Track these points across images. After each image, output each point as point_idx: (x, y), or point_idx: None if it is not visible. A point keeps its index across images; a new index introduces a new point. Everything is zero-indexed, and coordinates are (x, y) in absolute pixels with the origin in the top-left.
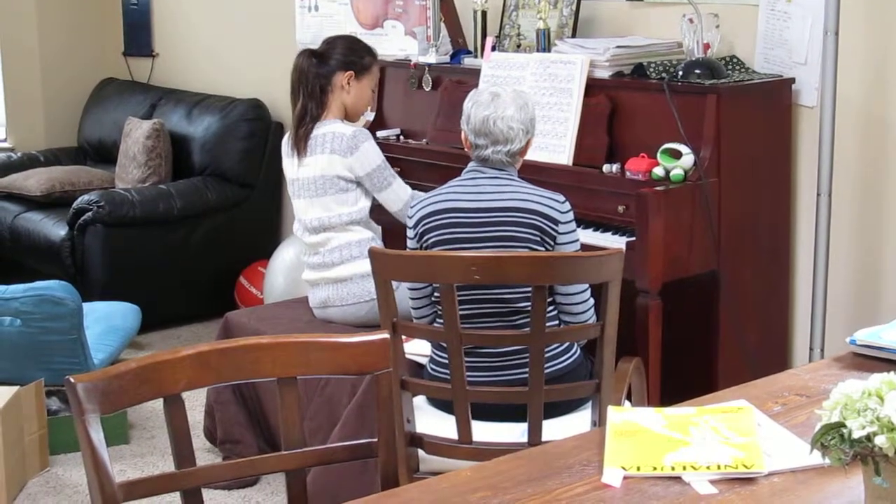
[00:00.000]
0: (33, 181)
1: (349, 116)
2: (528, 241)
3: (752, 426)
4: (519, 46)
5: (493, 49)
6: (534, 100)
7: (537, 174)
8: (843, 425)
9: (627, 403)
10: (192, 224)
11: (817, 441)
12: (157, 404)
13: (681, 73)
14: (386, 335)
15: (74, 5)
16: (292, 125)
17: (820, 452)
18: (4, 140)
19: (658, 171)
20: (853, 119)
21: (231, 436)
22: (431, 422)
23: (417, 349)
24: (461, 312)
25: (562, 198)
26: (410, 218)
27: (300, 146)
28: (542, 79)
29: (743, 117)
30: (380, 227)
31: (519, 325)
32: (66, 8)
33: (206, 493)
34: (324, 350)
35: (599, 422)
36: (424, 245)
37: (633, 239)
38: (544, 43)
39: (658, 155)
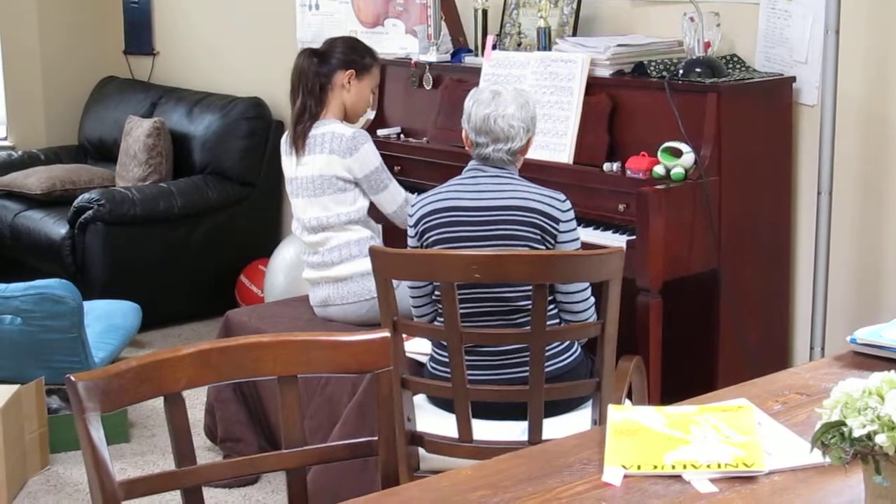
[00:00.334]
0: (34, 179)
1: (348, 117)
2: (529, 239)
3: (752, 425)
4: (520, 45)
5: (494, 47)
6: (534, 98)
7: (538, 173)
8: (844, 424)
9: (628, 402)
10: (193, 222)
11: (818, 440)
12: (158, 403)
13: (681, 71)
14: (386, 334)
15: (75, 4)
16: (291, 123)
17: (820, 451)
18: (5, 138)
19: (658, 170)
20: (854, 118)
21: (231, 434)
22: (432, 420)
23: (418, 348)
24: (462, 311)
25: (562, 196)
26: (411, 216)
27: (298, 144)
28: (543, 77)
29: (744, 116)
30: (379, 226)
31: (519, 324)
32: (66, 6)
33: (207, 492)
34: (324, 349)
35: (600, 420)
36: (425, 243)
37: (634, 238)
38: (545, 41)
39: (659, 153)
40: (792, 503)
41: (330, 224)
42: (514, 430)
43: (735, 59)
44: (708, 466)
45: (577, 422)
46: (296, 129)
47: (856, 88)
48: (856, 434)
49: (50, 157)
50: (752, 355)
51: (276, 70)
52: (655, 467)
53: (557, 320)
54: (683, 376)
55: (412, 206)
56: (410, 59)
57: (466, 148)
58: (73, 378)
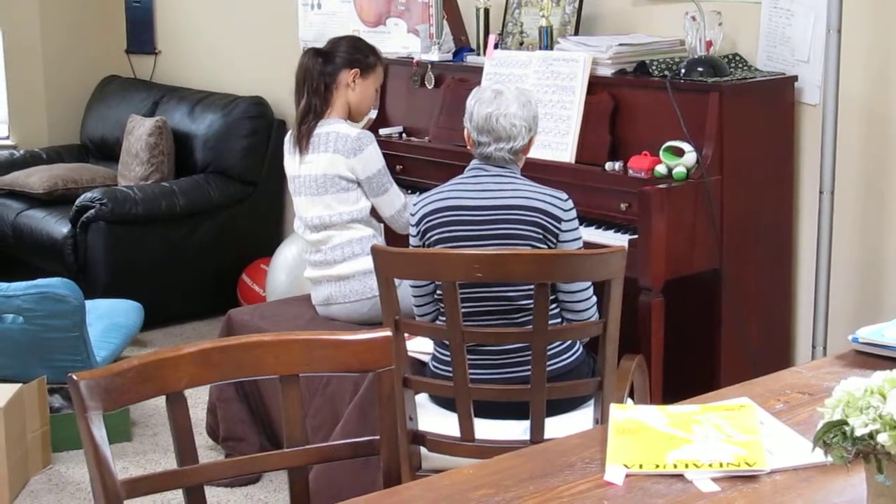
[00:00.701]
0: (36, 178)
1: (352, 116)
2: (531, 238)
3: (754, 424)
4: (521, 44)
5: (496, 47)
6: (536, 97)
7: (540, 172)
8: (846, 423)
9: (630, 401)
10: (195, 222)
11: (819, 439)
12: (160, 402)
13: (683, 70)
14: (388, 333)
15: (77, 3)
16: (295, 122)
17: (822, 450)
18: (7, 137)
19: (660, 169)
20: (856, 117)
21: (233, 433)
22: (434, 419)
23: (420, 347)
24: (464, 310)
25: (564, 195)
26: (413, 216)
27: (302, 143)
28: (545, 76)
29: (745, 115)
30: (381, 225)
31: (521, 323)
32: (68, 5)
33: (209, 491)
34: (326, 348)
35: (602, 419)
36: (427, 243)
37: (636, 237)
38: (547, 40)
39: (660, 153)
40: (794, 502)
41: (332, 222)
42: (516, 430)
43: (737, 58)
44: (710, 465)
45: (578, 421)
46: (300, 128)
47: (858, 88)
48: (858, 433)
49: (52, 156)
50: (753, 354)
51: (278, 69)
52: (657, 466)
53: (559, 319)
54: (685, 375)
55: (414, 205)
56: (412, 58)
57: (468, 147)
58: (75, 377)
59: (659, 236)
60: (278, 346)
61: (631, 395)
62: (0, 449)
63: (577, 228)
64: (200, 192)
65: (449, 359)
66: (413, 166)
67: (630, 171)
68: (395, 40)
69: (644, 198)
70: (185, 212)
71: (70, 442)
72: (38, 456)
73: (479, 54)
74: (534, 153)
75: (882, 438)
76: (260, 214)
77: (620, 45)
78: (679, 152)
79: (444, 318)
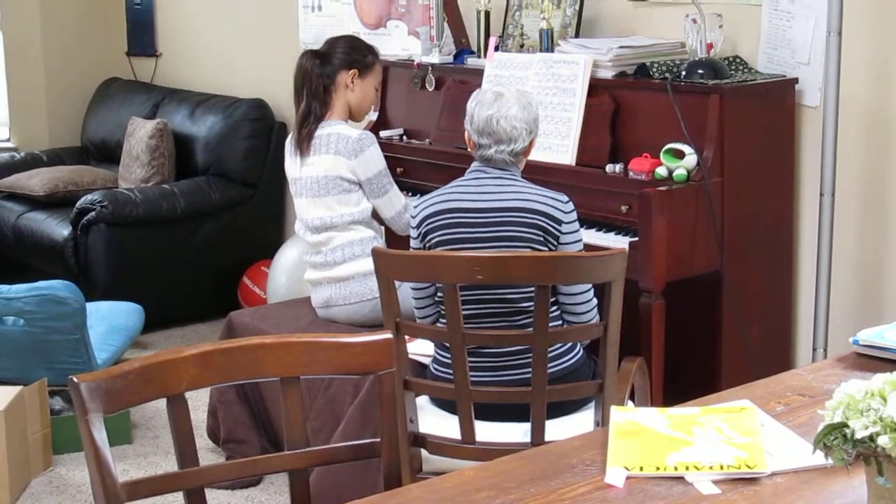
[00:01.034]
0: (36, 181)
1: (353, 116)
2: (532, 241)
3: (755, 426)
4: (522, 46)
5: (497, 49)
6: (537, 100)
7: (540, 174)
8: (846, 425)
9: (630, 403)
10: (196, 224)
11: (820, 441)
12: (161, 404)
13: (684, 73)
14: (389, 335)
15: (78, 5)
16: (295, 125)
17: (823, 452)
18: (8, 140)
19: (661, 171)
20: (856, 119)
21: (234, 435)
22: (434, 422)
23: (420, 349)
24: (464, 312)
25: (565, 198)
26: (414, 217)
27: (303, 146)
28: (546, 79)
29: (746, 117)
30: (382, 227)
31: (522, 325)
32: (69, 8)
33: (210, 493)
34: (327, 350)
35: (602, 422)
36: (428, 245)
37: (637, 239)
38: (547, 43)
39: (661, 155)
40: None
41: (333, 224)
42: (517, 432)
43: (737, 60)
44: (710, 468)
45: (579, 423)
46: (300, 131)
47: (858, 90)
48: (858, 435)
49: (53, 158)
50: (754, 357)
51: (278, 71)
52: (658, 468)
53: (560, 322)
54: (686, 378)
55: (415, 207)
56: (413, 60)
57: (469, 149)
58: (75, 379)
59: (659, 238)
60: (279, 348)
61: (631, 398)
62: (1, 451)
63: (577, 230)
64: (201, 194)
65: (449, 361)
66: (414, 168)
67: (630, 174)
68: (395, 42)
69: (645, 200)
70: (186, 214)
71: (71, 444)
72: (39, 458)
73: (479, 56)
74: (534, 155)
75: (882, 441)
76: (260, 216)
77: (621, 47)
78: (680, 154)
79: (444, 321)
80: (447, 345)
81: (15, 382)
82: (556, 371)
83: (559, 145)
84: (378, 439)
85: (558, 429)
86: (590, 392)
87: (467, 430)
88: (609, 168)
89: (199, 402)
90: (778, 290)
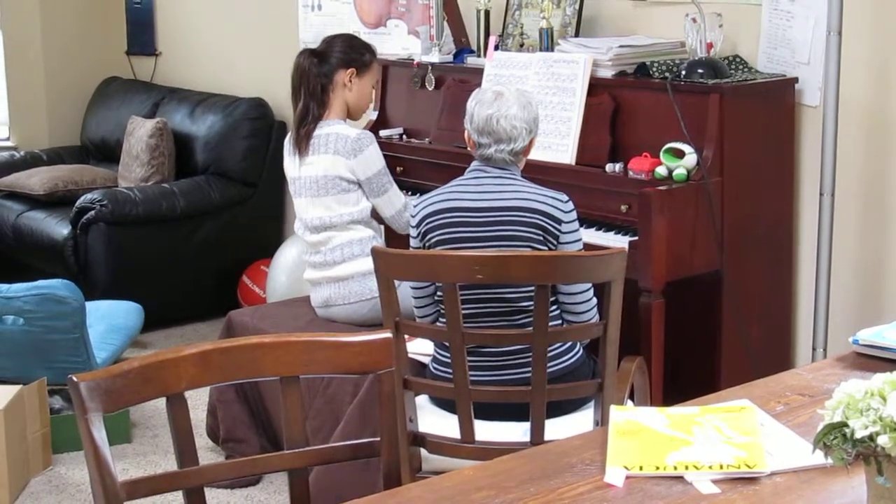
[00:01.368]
0: (36, 180)
1: (352, 115)
2: (531, 240)
3: (754, 426)
4: (522, 46)
5: (497, 48)
6: (537, 99)
7: (540, 173)
8: (846, 425)
9: (630, 403)
10: (195, 223)
11: (820, 441)
12: (160, 403)
13: (684, 72)
14: (388, 334)
15: (78, 4)
16: (293, 125)
17: (822, 452)
18: (7, 139)
19: (661, 171)
20: (856, 118)
21: (234, 435)
22: (434, 421)
23: (420, 348)
24: (464, 312)
25: (565, 197)
26: (413, 217)
27: (301, 146)
28: (545, 78)
29: (746, 117)
30: (382, 227)
31: (522, 325)
32: (69, 7)
33: (209, 492)
34: (326, 349)
35: (602, 421)
36: (427, 244)
37: (636, 238)
38: (547, 42)
39: (661, 154)
40: None
41: (333, 224)
42: (517, 431)
43: (737, 59)
44: (710, 467)
45: (579, 422)
46: (299, 131)
47: (858, 89)
48: (858, 435)
49: (52, 157)
50: (754, 356)
51: (278, 70)
52: (657, 468)
53: (560, 321)
54: (685, 377)
55: (415, 206)
56: (413, 59)
57: (469, 148)
58: (75, 378)
59: (659, 238)
60: (279, 347)
61: (631, 397)
62: (0, 450)
63: (577, 230)
64: (201, 193)
65: (449, 360)
66: (413, 168)
67: (630, 173)
68: (395, 42)
69: (644, 199)
70: (186, 213)
71: (70, 443)
72: (39, 457)
73: (479, 56)
74: (534, 155)
75: (882, 440)
76: (260, 216)
77: (621, 46)
78: (679, 154)
79: (444, 320)
80: (447, 344)
81: (14, 381)
82: (555, 370)
83: (559, 145)
84: (377, 438)
85: (558, 428)
86: (589, 391)
87: (467, 429)
88: (609, 167)
89: (198, 402)
90: (778, 289)
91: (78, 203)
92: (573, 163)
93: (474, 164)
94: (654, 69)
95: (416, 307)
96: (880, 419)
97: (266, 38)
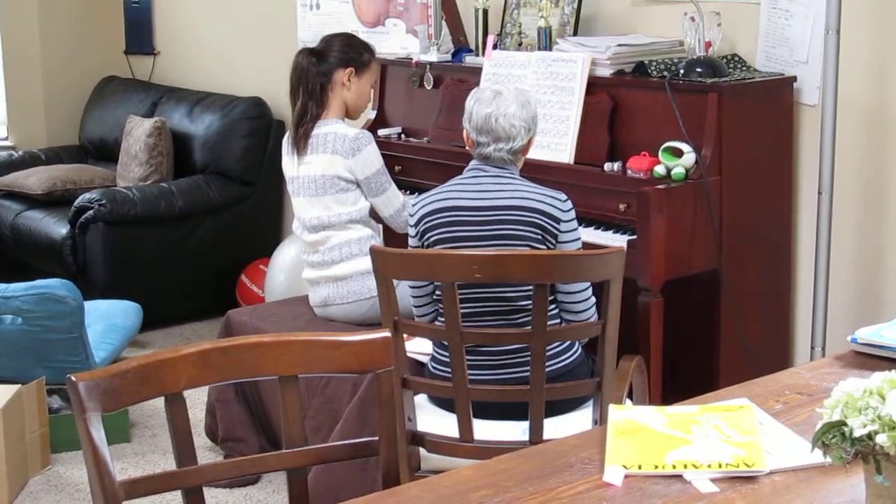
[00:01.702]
0: (34, 179)
1: (350, 114)
2: (530, 239)
3: (753, 424)
4: (520, 45)
5: (495, 47)
6: (535, 98)
7: (539, 173)
8: (845, 424)
9: (629, 402)
10: (194, 222)
11: (818, 439)
12: (159, 402)
13: (682, 71)
14: (387, 333)
15: (76, 4)
16: (292, 124)
17: (821, 451)
18: (6, 138)
19: (659, 170)
20: (855, 117)
21: (232, 434)
22: (433, 420)
23: (419, 347)
24: (462, 311)
25: (563, 196)
26: (412, 216)
27: (300, 145)
28: (544, 77)
29: (744, 116)
30: (380, 226)
31: (520, 324)
32: (67, 6)
33: (208, 492)
34: (325, 348)
35: (601, 420)
36: (426, 243)
37: (635, 237)
38: (546, 41)
39: (659, 153)
40: (792, 503)
41: (331, 223)
42: (515, 430)
43: (736, 58)
44: (709, 466)
45: (577, 422)
46: (297, 130)
47: (856, 88)
48: (856, 434)
49: (51, 157)
50: (752, 355)
51: (277, 70)
52: (656, 467)
53: (558, 320)
54: (684, 376)
55: (413, 205)
56: (411, 58)
57: (467, 147)
58: (73, 378)
59: (658, 237)
60: (277, 346)
61: (630, 396)
62: None
63: (576, 229)
64: (199, 192)
65: (448, 359)
66: (412, 167)
67: (629, 172)
68: (393, 41)
69: (643, 198)
70: (184, 212)
71: (69, 443)
72: (37, 457)
73: (477, 55)
74: (533, 154)
75: (881, 439)
76: (259, 215)
77: (619, 45)
78: (678, 153)
79: (442, 319)
80: (445, 343)
81: (13, 381)
82: (554, 369)
83: (557, 144)
84: (376, 438)
85: (556, 427)
86: (588, 390)
87: (465, 428)
88: (607, 166)
89: (197, 401)
90: (776, 288)
91: (76, 202)
92: (572, 162)
93: (473, 163)
94: (653, 68)
95: (415, 306)
96: (879, 418)
97: (264, 37)
